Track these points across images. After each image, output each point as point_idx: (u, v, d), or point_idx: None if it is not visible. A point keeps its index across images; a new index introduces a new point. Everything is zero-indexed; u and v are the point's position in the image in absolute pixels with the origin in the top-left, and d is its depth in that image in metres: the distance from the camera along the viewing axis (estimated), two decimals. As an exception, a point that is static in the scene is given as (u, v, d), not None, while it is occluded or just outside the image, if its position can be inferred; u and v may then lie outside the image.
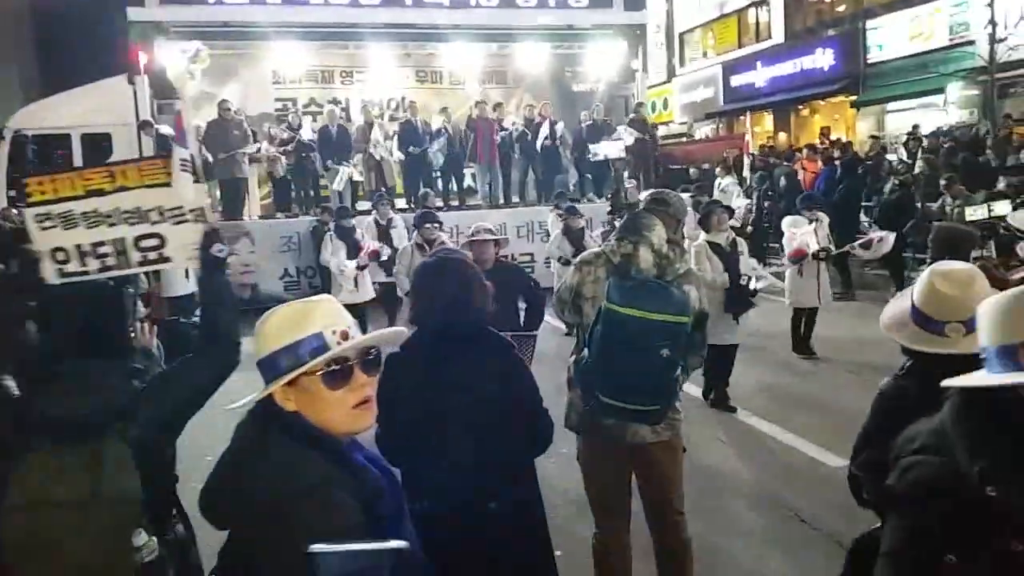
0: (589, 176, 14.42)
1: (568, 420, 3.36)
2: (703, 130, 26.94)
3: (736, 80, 25.60)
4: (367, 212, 10.61)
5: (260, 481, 1.53)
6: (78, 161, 13.48)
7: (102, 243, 2.58)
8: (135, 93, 13.06)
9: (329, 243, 8.97)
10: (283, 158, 13.12)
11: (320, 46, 14.22)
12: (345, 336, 1.57)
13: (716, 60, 27.56)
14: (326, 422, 1.57)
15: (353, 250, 8.70)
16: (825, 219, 8.44)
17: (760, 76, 24.38)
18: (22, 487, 1.97)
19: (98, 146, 13.39)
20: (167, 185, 2.65)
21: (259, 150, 12.79)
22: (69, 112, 13.42)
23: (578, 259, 3.47)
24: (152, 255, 2.65)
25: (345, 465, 1.57)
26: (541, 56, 14.92)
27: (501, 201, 13.76)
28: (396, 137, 13.17)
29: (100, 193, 2.60)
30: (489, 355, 2.54)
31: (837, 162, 13.58)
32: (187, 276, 7.21)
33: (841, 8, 22.95)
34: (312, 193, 13.46)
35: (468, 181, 14.37)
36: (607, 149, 13.73)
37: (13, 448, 2.01)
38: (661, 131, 21.80)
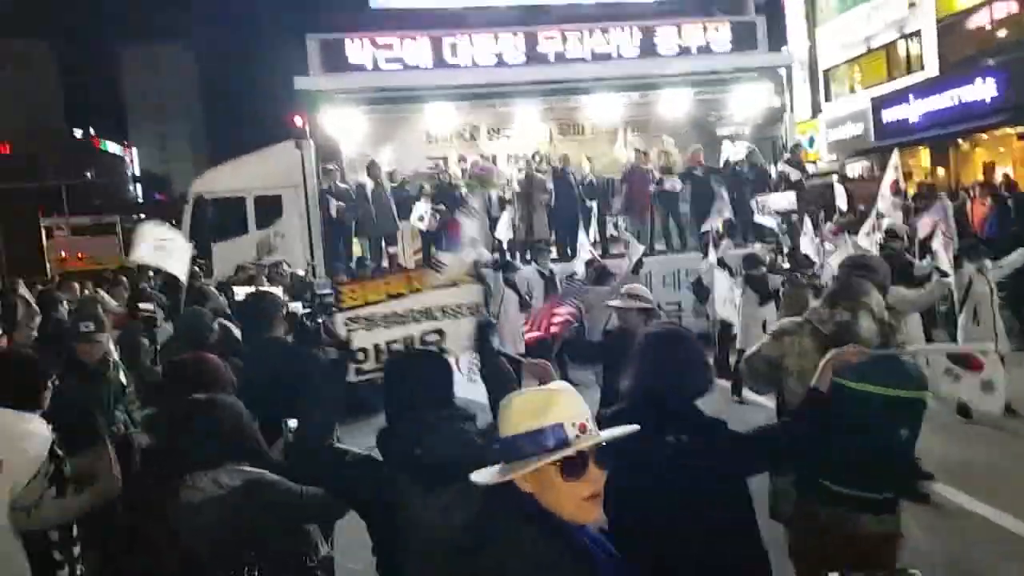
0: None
1: (776, 510, 3.12)
2: (854, 168, 25.88)
3: (887, 115, 24.48)
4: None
5: (490, 556, 1.62)
6: (252, 222, 14.71)
7: (395, 341, 2.88)
8: (302, 157, 14.10)
9: (500, 294, 8.80)
10: (435, 216, 13.68)
11: (468, 106, 14.83)
12: (583, 429, 1.63)
13: (864, 95, 26.53)
14: (555, 508, 1.64)
15: (523, 302, 8.74)
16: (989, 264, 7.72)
17: (913, 110, 23.21)
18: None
19: (270, 208, 14.55)
20: (453, 285, 2.98)
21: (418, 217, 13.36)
22: (243, 176, 14.66)
23: (776, 329, 3.25)
24: (433, 349, 2.93)
25: (573, 548, 1.63)
26: (684, 102, 14.93)
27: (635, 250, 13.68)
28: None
29: (399, 296, 2.93)
30: (697, 434, 2.45)
31: (1009, 201, 12.72)
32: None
33: (1002, 34, 21.62)
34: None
35: (611, 230, 14.46)
36: (778, 202, 13.42)
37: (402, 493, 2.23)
38: (808, 170, 21.11)
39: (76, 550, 3.34)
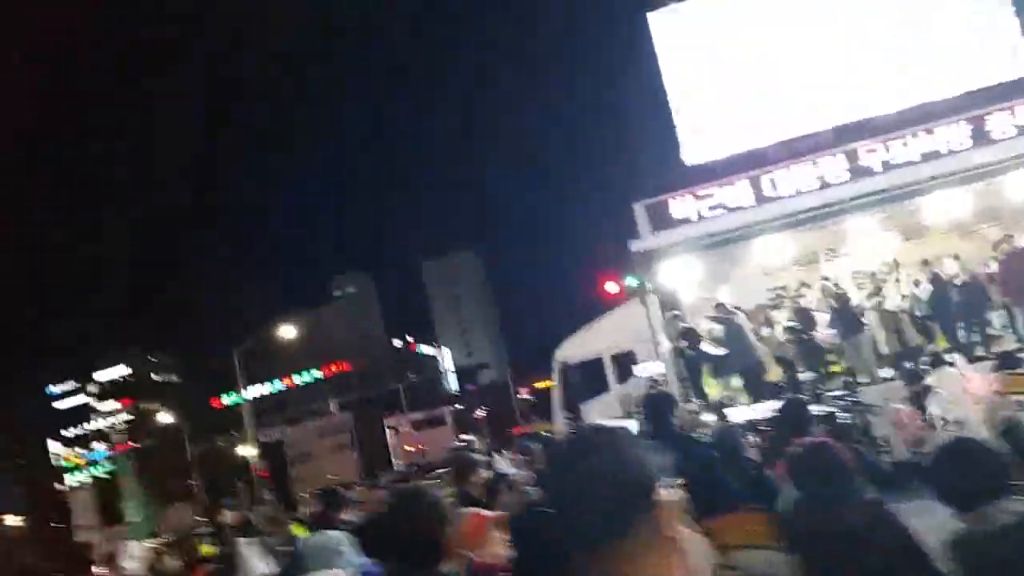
0: None
1: None
2: None
3: None
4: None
5: None
6: (612, 379, 15.69)
7: None
8: (647, 312, 15.00)
9: None
10: (791, 345, 13.70)
11: (800, 232, 14.96)
12: None
13: None
14: None
15: None
16: None
17: None
18: None
19: (625, 363, 15.49)
20: None
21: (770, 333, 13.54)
22: (597, 339, 15.89)
23: None
24: None
25: None
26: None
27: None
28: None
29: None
30: None
31: None
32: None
33: None
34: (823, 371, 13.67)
35: (992, 328, 13.37)
36: None
37: None
38: None
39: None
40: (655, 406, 5.09)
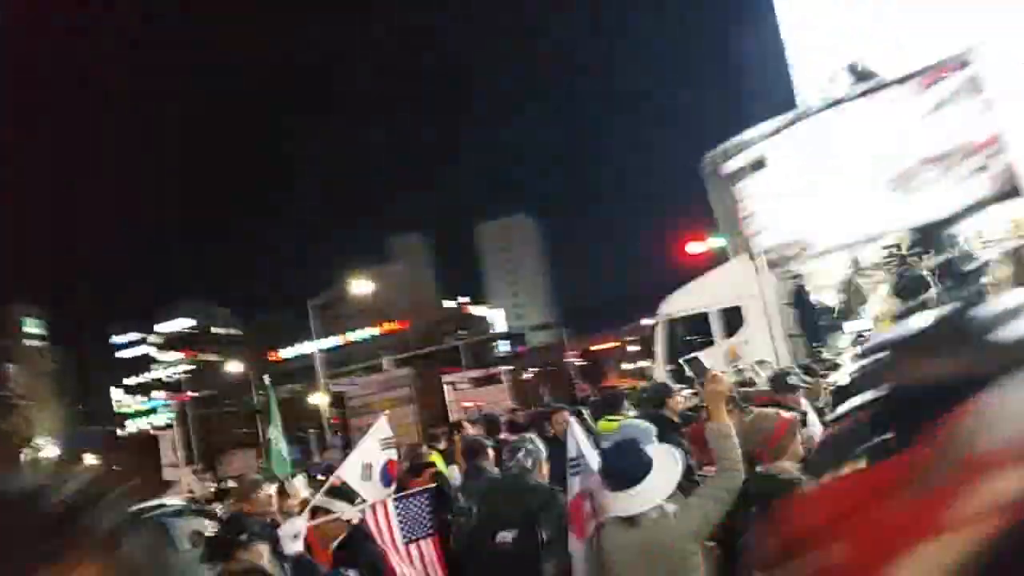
0: None
1: None
2: None
3: None
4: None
5: None
6: (718, 335, 15.63)
7: None
8: (756, 268, 14.89)
9: None
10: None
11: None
12: None
13: None
14: None
15: None
16: None
17: None
18: None
19: (732, 319, 15.39)
20: None
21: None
22: (703, 294, 15.77)
23: None
24: None
25: None
26: None
27: None
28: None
29: None
30: None
31: None
32: None
33: None
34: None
35: None
36: None
37: None
38: None
39: None
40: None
